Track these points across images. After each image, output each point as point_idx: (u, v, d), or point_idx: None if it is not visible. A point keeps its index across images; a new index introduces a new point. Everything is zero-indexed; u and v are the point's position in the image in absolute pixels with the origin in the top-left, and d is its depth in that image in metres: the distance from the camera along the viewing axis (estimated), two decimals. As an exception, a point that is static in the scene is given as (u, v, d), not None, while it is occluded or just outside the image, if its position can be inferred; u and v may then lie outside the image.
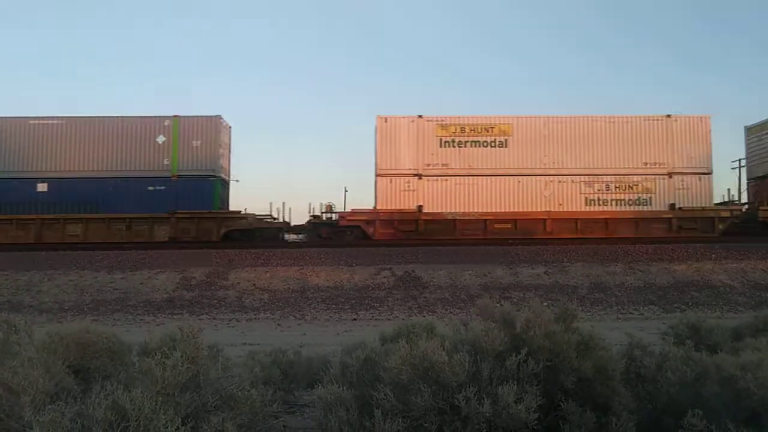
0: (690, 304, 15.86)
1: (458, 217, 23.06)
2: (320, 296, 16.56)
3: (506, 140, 23.75)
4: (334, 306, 15.91)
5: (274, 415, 4.31)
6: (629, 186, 23.61)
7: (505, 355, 4.05)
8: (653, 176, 23.58)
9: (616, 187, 23.59)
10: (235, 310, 15.73)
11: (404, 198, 23.29)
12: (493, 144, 23.73)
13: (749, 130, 26.26)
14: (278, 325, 14.26)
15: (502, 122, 23.90)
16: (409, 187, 23.38)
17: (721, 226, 23.22)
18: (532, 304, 4.62)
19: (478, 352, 4.09)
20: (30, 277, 18.01)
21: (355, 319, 14.77)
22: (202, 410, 3.62)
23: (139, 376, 3.67)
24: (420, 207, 23.16)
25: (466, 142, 23.73)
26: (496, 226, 23.14)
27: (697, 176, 23.67)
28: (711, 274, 17.94)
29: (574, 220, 23.30)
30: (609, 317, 14.67)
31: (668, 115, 24.09)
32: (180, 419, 3.35)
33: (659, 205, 23.49)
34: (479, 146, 23.69)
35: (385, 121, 23.67)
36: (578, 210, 23.42)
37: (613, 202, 23.56)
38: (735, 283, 17.37)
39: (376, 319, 14.60)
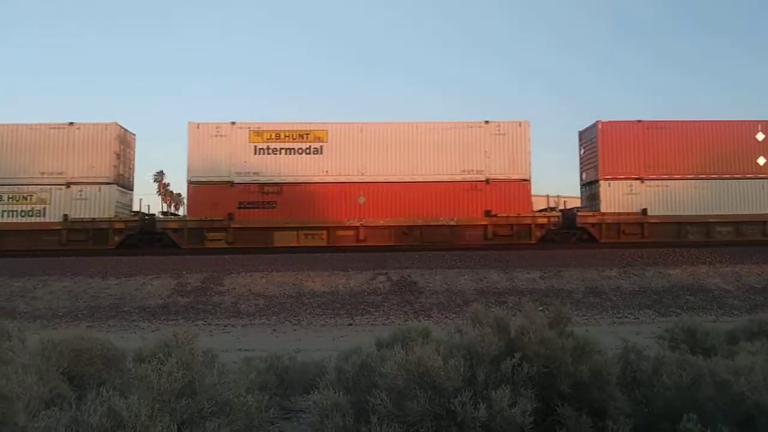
0: (685, 308, 15.90)
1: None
2: (316, 301, 16.53)
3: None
4: (329, 311, 15.88)
5: (270, 421, 4.30)
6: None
7: (500, 359, 4.06)
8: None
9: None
10: (231, 316, 15.68)
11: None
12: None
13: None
14: (274, 330, 14.22)
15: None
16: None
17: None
18: (526, 309, 4.63)
19: (473, 356, 4.09)
20: (24, 283, 17.91)
21: (350, 325, 14.74)
22: (198, 416, 3.61)
23: (134, 383, 3.66)
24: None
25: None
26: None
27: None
28: (706, 278, 18.00)
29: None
30: (604, 321, 14.68)
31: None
32: (176, 426, 3.34)
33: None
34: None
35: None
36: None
37: None
38: (730, 286, 17.43)
39: (372, 325, 14.58)
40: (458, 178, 23.42)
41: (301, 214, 22.95)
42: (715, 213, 23.50)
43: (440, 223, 23.09)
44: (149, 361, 3.81)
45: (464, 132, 23.78)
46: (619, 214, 23.48)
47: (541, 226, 23.43)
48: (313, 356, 6.82)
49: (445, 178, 23.41)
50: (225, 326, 14.71)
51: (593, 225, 23.48)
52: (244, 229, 22.79)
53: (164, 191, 64.16)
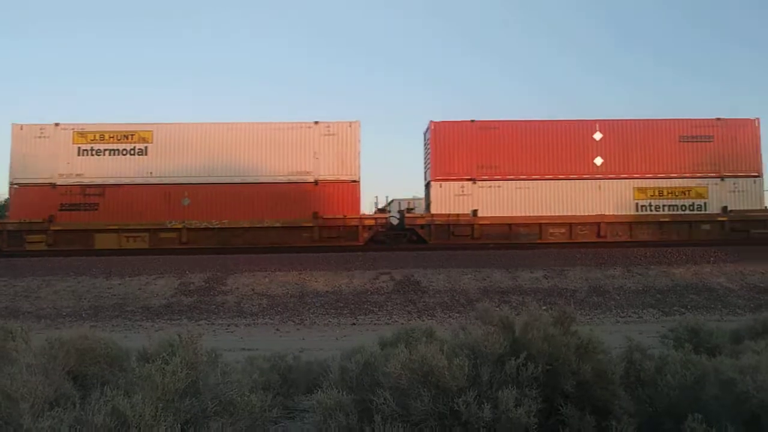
0: (689, 307, 15.86)
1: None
2: (319, 301, 16.54)
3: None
4: (333, 311, 15.88)
5: (273, 421, 4.30)
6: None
7: (504, 359, 4.05)
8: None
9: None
10: (234, 316, 15.70)
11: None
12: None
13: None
14: (277, 330, 14.23)
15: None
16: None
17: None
18: (530, 308, 4.62)
19: (477, 356, 4.08)
20: (28, 283, 17.96)
21: (354, 324, 14.75)
22: (202, 416, 3.62)
23: (138, 382, 3.66)
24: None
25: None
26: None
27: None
28: (710, 277, 17.95)
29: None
30: (608, 321, 14.66)
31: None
32: (180, 425, 3.35)
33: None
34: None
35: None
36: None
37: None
38: (734, 285, 17.39)
39: (375, 324, 14.58)
40: (286, 179, 23.17)
41: (125, 217, 22.52)
42: (547, 214, 23.32)
43: (266, 225, 22.79)
44: (153, 360, 3.81)
45: (293, 133, 23.51)
46: (449, 215, 23.15)
47: (369, 227, 23.25)
48: (316, 356, 6.83)
49: (274, 179, 23.14)
50: (228, 326, 14.73)
51: (421, 227, 23.28)
52: (64, 232, 22.38)
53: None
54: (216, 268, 19.09)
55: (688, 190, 23.85)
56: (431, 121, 24.04)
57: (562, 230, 23.30)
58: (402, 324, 12.10)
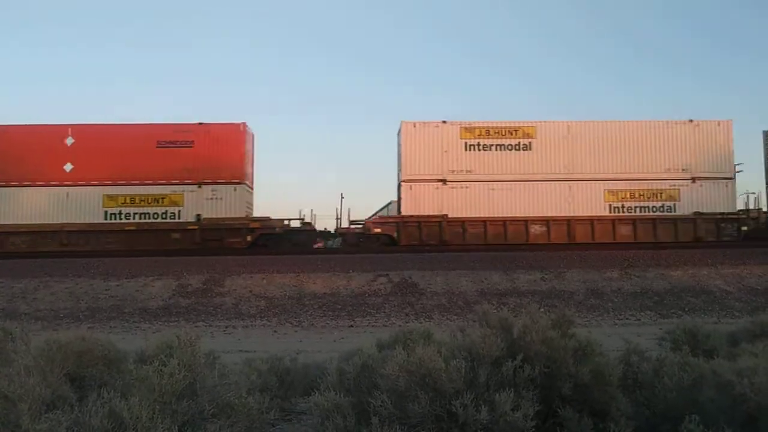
0: (686, 309, 15.88)
1: None
2: (317, 303, 16.53)
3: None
4: (330, 313, 15.88)
5: (271, 423, 4.30)
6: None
7: (501, 361, 4.05)
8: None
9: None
10: (232, 317, 15.69)
11: None
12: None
13: None
14: (275, 332, 14.22)
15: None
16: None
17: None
18: (529, 310, 4.63)
19: (475, 358, 4.09)
20: (25, 285, 17.93)
21: (351, 326, 14.74)
22: (199, 418, 3.61)
23: (136, 384, 3.66)
24: None
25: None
26: None
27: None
28: (707, 280, 17.98)
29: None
30: (606, 323, 14.67)
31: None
32: (177, 427, 3.34)
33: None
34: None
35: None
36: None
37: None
38: (731, 288, 17.41)
39: (372, 326, 14.58)
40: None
41: None
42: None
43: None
44: (151, 362, 3.81)
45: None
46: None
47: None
48: (314, 358, 6.83)
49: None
50: (226, 327, 14.71)
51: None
52: None
53: None
54: (213, 270, 19.07)
55: (162, 198, 23.73)
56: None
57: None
58: (399, 326, 12.09)
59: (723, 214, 23.93)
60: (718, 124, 24.57)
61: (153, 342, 4.67)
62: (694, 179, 24.15)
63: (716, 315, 15.39)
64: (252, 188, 25.85)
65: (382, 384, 3.94)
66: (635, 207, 24.06)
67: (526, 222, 23.64)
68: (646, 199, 24.07)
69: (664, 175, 24.15)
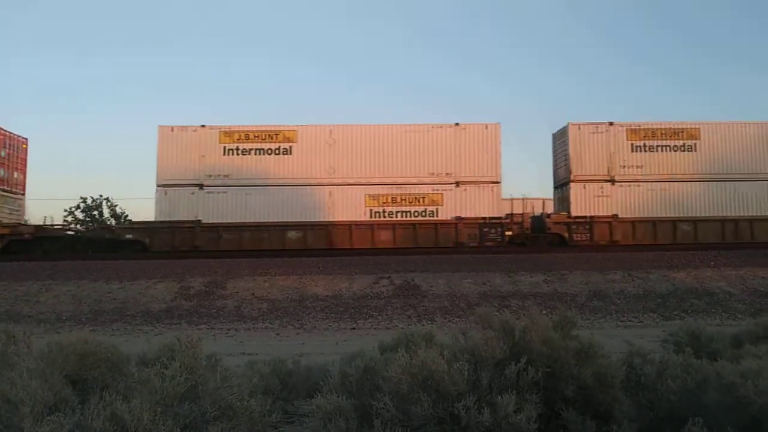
0: (689, 311, 15.83)
1: None
2: (319, 305, 16.51)
3: None
4: (333, 315, 15.86)
5: (273, 426, 4.29)
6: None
7: (504, 363, 4.04)
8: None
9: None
10: (234, 320, 15.68)
11: None
12: None
13: None
14: (277, 334, 14.21)
15: None
16: None
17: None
18: (531, 312, 4.62)
19: (477, 360, 4.08)
20: (28, 287, 17.95)
21: (354, 328, 14.72)
22: (201, 421, 3.61)
23: (137, 387, 3.66)
24: None
25: None
26: None
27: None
28: (710, 282, 17.92)
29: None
30: (608, 325, 14.63)
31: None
32: (179, 430, 3.34)
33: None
34: None
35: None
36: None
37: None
38: (734, 290, 17.36)
39: (375, 328, 14.56)
40: None
41: None
42: None
43: None
44: (152, 365, 3.80)
45: None
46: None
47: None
48: (316, 360, 6.81)
49: None
50: (228, 330, 14.71)
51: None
52: None
53: None
54: (216, 273, 19.08)
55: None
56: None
57: None
58: (402, 328, 12.03)
59: (486, 218, 23.93)
60: (486, 128, 24.51)
61: (155, 344, 4.66)
62: (458, 183, 23.99)
63: (719, 317, 15.34)
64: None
65: (385, 386, 3.93)
66: (396, 212, 23.85)
67: (284, 228, 23.57)
68: (408, 203, 23.90)
69: (427, 179, 24.03)
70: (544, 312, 5.01)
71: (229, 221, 23.47)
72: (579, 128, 24.69)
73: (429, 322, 14.94)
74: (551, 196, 28.09)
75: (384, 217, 23.73)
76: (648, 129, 24.59)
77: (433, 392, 3.78)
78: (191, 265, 19.91)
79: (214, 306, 16.70)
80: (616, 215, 24.07)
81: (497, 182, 24.25)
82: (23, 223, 24.79)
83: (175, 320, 15.71)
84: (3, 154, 25.12)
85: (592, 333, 4.74)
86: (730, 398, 3.80)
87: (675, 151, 24.43)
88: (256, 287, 17.88)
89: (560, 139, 25.96)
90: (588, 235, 23.98)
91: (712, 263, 19.46)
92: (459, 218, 23.77)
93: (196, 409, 3.62)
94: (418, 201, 23.93)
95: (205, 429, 3.55)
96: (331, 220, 23.64)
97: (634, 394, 4.30)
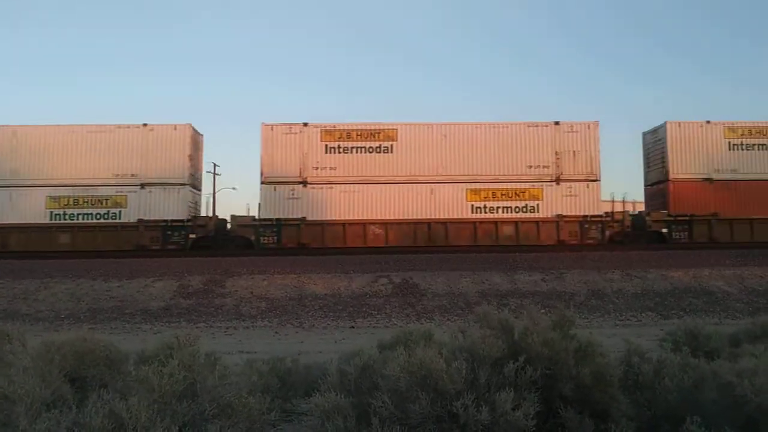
0: (688, 310, 15.85)
1: None
2: (318, 304, 16.51)
3: None
4: (331, 314, 15.86)
5: (271, 424, 4.29)
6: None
7: (503, 362, 4.05)
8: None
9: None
10: (233, 318, 15.68)
11: None
12: None
13: None
14: (276, 333, 14.21)
15: None
16: None
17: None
18: (530, 311, 4.62)
19: (475, 359, 4.08)
20: (26, 286, 17.93)
21: (352, 327, 14.73)
22: (200, 419, 3.61)
23: (135, 385, 3.66)
24: None
25: None
26: None
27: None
28: (708, 281, 17.94)
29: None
30: (607, 324, 14.64)
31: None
32: (177, 428, 3.34)
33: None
34: None
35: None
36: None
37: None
38: (732, 289, 17.38)
39: (374, 327, 14.56)
40: None
41: None
42: None
43: None
44: (151, 363, 3.80)
45: None
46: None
47: None
48: (315, 358, 6.81)
49: None
50: (227, 328, 14.71)
51: None
52: None
53: None
54: (214, 271, 19.08)
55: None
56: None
57: None
58: (400, 327, 12.03)
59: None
60: (175, 129, 24.10)
61: (153, 343, 4.67)
62: (143, 185, 23.60)
63: (717, 316, 15.36)
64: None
65: (383, 385, 3.93)
66: (78, 214, 23.42)
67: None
68: (90, 206, 23.49)
69: (112, 181, 23.56)
70: (543, 311, 5.01)
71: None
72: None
73: (428, 320, 14.94)
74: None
75: (64, 219, 23.29)
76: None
77: (431, 390, 3.78)
78: (190, 264, 19.90)
79: (213, 304, 16.69)
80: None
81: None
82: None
83: (173, 318, 15.71)
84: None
85: (591, 332, 4.74)
86: (728, 397, 3.81)
87: None
88: (255, 285, 17.88)
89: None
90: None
91: (710, 262, 19.51)
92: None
93: (194, 407, 3.62)
94: (101, 203, 23.47)
95: (204, 427, 3.55)
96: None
97: (632, 392, 4.30)
